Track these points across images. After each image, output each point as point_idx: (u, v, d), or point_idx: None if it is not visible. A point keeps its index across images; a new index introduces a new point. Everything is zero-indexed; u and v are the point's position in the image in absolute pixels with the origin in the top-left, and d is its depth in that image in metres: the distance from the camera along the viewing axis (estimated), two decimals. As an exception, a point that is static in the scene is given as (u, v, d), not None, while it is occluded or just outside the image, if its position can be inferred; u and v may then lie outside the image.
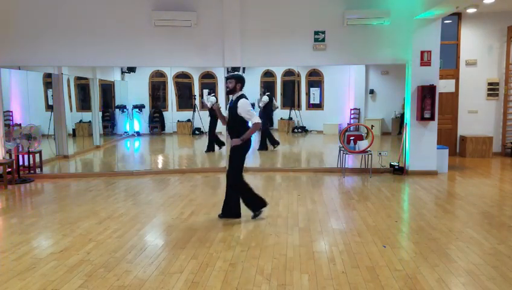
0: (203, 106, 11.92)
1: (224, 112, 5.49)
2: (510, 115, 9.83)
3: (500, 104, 9.88)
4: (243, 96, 5.04)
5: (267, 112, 10.68)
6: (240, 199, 5.25)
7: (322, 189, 6.92)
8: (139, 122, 12.35)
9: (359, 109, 12.27)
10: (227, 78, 5.14)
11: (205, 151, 10.40)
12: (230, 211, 5.29)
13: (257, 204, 5.25)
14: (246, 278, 3.58)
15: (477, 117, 9.93)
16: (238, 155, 5.09)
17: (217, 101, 10.27)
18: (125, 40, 7.95)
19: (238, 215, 5.28)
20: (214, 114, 9.99)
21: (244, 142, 5.02)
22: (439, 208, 5.74)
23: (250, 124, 5.05)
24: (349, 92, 12.49)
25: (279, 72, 12.77)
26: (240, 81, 5.08)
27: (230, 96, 5.16)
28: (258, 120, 4.95)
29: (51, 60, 8.08)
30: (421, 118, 7.81)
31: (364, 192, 6.71)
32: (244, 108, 4.94)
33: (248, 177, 6.05)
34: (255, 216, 5.24)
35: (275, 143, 10.64)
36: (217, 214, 5.46)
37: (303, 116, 12.67)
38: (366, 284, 3.46)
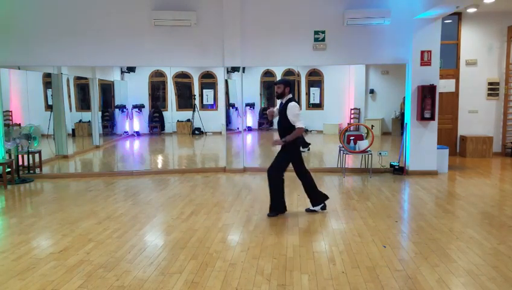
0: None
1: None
2: (510, 115, 9.83)
3: (500, 104, 9.87)
4: (292, 99, 5.24)
5: None
6: (284, 193, 5.41)
7: (322, 189, 6.85)
8: (138, 122, 12.33)
9: (359, 109, 12.24)
10: (275, 84, 5.34)
11: None
12: (279, 207, 5.42)
13: (278, 208, 5.38)
14: (246, 278, 3.58)
15: (477, 117, 9.93)
16: (283, 156, 5.31)
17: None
18: (125, 40, 7.95)
19: (285, 209, 5.46)
20: None
21: (293, 147, 5.24)
22: (439, 208, 5.74)
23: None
24: (349, 92, 12.46)
25: (279, 72, 12.72)
26: (288, 85, 5.32)
27: (280, 100, 5.36)
28: (301, 125, 5.14)
29: (51, 60, 8.07)
30: (421, 118, 7.80)
31: (364, 192, 6.70)
32: (292, 111, 5.15)
33: (248, 178, 6.05)
34: (270, 215, 5.36)
35: (306, 145, 10.49)
36: (217, 214, 5.46)
37: (303, 116, 12.65)
38: (366, 284, 3.46)
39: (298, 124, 5.13)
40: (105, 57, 8.05)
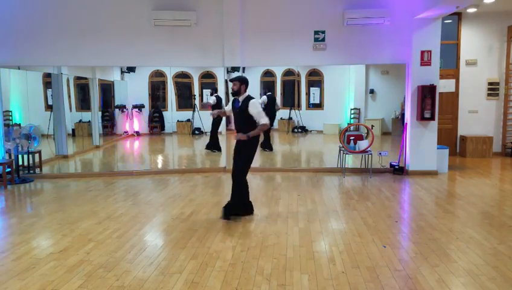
0: (202, 106, 11.93)
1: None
2: (510, 115, 9.83)
3: (500, 104, 9.87)
4: (251, 97, 5.18)
5: (267, 112, 10.63)
6: (248, 194, 5.36)
7: (322, 189, 6.91)
8: (138, 122, 12.34)
9: (359, 109, 12.25)
10: (231, 81, 5.27)
11: (205, 149, 10.44)
12: (245, 209, 5.37)
13: (240, 209, 5.29)
14: (246, 278, 3.58)
15: (477, 117, 9.93)
16: (246, 155, 5.19)
17: (216, 102, 10.27)
18: (125, 40, 7.94)
19: (251, 210, 5.42)
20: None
21: (253, 142, 5.16)
22: (439, 208, 5.74)
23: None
24: (349, 92, 12.48)
25: (279, 72, 12.75)
26: (244, 82, 5.22)
27: (235, 97, 5.27)
28: (266, 121, 5.08)
29: (51, 60, 8.07)
30: (421, 118, 7.80)
31: (364, 192, 6.70)
32: (256, 108, 5.08)
33: (248, 177, 6.03)
34: (225, 217, 5.21)
35: (268, 147, 10.61)
36: (217, 214, 5.45)
37: (303, 116, 12.66)
38: (366, 284, 3.46)
39: (263, 121, 5.07)
40: (105, 57, 8.05)
